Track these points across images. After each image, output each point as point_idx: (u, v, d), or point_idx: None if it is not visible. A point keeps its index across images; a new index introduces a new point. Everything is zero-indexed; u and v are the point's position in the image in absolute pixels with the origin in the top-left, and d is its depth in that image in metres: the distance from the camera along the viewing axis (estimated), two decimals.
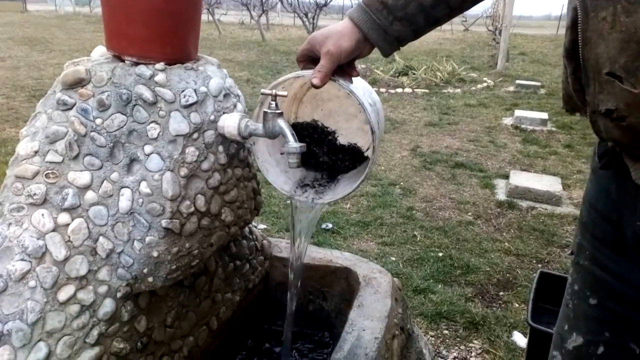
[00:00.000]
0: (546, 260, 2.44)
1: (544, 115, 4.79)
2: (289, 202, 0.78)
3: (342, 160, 0.88)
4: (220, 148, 0.81)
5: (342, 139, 0.89)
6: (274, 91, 0.74)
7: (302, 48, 0.76)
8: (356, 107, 0.81)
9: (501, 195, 3.19)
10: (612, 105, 0.51)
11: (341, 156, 0.88)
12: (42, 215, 0.72)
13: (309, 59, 0.75)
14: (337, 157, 0.88)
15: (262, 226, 2.63)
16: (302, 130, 0.86)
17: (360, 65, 7.61)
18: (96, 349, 0.73)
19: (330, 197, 0.82)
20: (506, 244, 2.58)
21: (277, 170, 0.88)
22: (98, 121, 0.74)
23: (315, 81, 0.72)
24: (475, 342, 1.87)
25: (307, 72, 0.73)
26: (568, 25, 0.58)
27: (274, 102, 0.74)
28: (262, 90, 0.76)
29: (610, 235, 0.69)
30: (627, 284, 0.68)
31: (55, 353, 0.69)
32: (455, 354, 1.81)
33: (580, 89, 0.60)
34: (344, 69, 0.75)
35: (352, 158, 0.88)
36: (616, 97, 0.51)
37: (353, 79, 0.77)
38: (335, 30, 0.73)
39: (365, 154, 0.87)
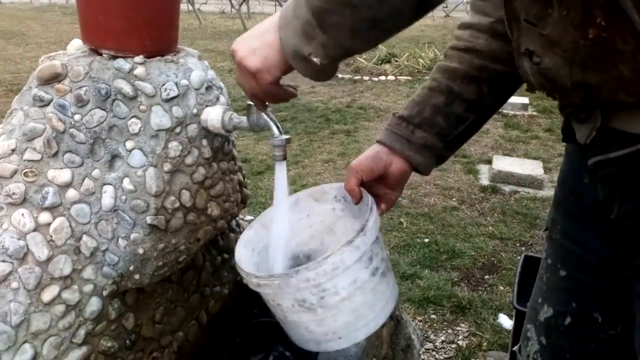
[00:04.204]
0: (529, 243, 2.48)
1: (525, 100, 4.84)
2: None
3: None
4: (204, 142, 0.80)
5: None
6: None
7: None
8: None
9: (484, 180, 3.23)
10: (531, 47, 0.57)
11: None
12: (22, 215, 0.70)
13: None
14: None
15: (248, 217, 2.62)
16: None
17: None
18: (84, 349, 0.72)
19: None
20: (490, 228, 2.62)
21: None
22: (77, 117, 0.73)
23: (354, 201, 0.75)
24: (462, 325, 1.90)
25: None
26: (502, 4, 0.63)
27: None
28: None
29: (577, 207, 0.72)
30: (591, 253, 0.71)
31: (41, 354, 0.68)
32: (443, 338, 1.84)
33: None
34: (379, 201, 0.77)
35: None
36: (533, 40, 0.56)
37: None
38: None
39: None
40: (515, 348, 0.88)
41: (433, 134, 0.75)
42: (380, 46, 7.62)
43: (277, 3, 10.59)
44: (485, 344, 1.79)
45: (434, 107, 0.75)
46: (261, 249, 0.78)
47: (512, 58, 0.69)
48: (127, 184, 0.72)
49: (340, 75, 6.35)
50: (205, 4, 16.22)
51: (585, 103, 0.58)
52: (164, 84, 0.74)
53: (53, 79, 0.73)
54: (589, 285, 0.73)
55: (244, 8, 11.91)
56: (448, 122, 0.75)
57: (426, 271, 2.22)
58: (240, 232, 1.12)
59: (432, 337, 1.84)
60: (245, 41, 0.59)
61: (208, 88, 0.81)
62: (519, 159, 3.52)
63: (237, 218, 1.09)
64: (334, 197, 0.80)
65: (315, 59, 0.53)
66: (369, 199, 0.72)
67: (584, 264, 0.72)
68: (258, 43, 0.58)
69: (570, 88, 0.56)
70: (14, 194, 0.71)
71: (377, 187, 0.77)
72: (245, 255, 0.73)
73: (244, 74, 0.60)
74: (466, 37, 0.76)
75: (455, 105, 0.75)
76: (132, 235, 0.73)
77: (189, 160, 0.77)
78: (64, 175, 0.72)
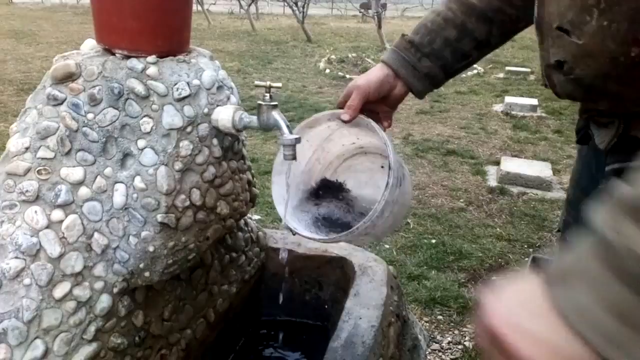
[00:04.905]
0: (537, 245, 2.47)
1: (534, 101, 4.81)
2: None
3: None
4: (215, 141, 0.81)
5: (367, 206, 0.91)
6: (268, 82, 0.74)
7: (341, 96, 0.79)
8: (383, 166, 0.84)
9: (492, 182, 3.21)
10: (562, 57, 0.57)
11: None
12: (35, 212, 0.72)
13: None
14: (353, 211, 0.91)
15: (256, 217, 2.63)
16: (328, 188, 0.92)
17: (351, 54, 7.59)
18: (94, 345, 0.73)
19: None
20: (498, 229, 2.61)
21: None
22: (90, 116, 0.74)
23: (345, 117, 0.76)
24: (469, 326, 1.89)
25: (339, 111, 0.78)
26: (537, 3, 0.62)
27: (268, 94, 0.74)
28: (257, 82, 0.77)
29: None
30: None
31: (52, 350, 0.69)
32: (449, 339, 1.83)
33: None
34: (379, 118, 0.80)
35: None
36: (565, 49, 0.56)
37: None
38: (368, 71, 0.79)
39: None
40: None
41: (438, 66, 0.78)
42: (388, 46, 7.60)
43: (286, 4, 10.60)
44: None
45: (446, 40, 0.77)
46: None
47: (527, 5, 0.68)
48: (138, 182, 0.73)
49: (347, 76, 6.35)
50: (214, 4, 16.28)
51: (611, 111, 0.58)
52: (175, 84, 0.75)
53: (67, 78, 0.74)
54: None
55: (252, 8, 11.94)
56: (454, 56, 0.78)
57: (433, 272, 2.21)
58: (249, 232, 1.13)
59: (438, 337, 1.84)
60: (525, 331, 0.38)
61: (219, 88, 0.82)
62: (528, 160, 3.50)
63: (245, 217, 1.10)
64: (327, 119, 0.85)
65: None
66: (378, 132, 0.77)
67: None
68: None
69: (601, 98, 0.55)
70: (27, 191, 0.72)
71: (378, 106, 0.81)
72: (294, 219, 0.83)
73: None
74: None
75: (464, 42, 0.77)
76: (143, 233, 0.74)
77: (199, 159, 0.78)
78: (77, 173, 0.73)
